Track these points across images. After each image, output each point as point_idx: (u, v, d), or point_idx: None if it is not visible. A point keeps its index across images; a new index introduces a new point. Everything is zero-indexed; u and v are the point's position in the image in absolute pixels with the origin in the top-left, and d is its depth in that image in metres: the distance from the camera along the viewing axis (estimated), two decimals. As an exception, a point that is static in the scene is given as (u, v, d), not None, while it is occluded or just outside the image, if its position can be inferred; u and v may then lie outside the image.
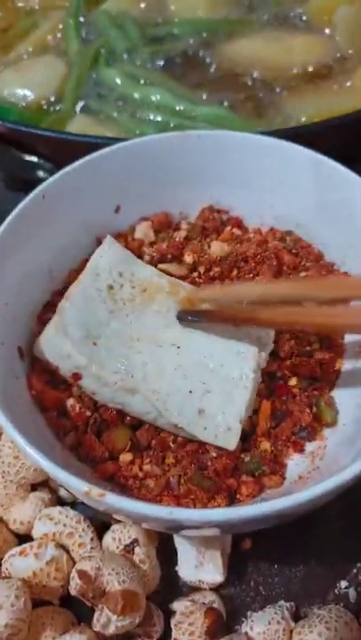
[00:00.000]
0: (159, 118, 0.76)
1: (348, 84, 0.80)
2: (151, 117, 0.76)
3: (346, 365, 0.51)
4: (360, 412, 0.47)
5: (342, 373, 0.51)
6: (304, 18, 0.87)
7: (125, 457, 0.47)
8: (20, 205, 0.51)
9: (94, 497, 0.37)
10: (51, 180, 0.53)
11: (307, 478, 0.45)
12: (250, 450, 0.47)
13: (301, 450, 0.48)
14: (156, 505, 0.39)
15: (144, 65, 0.83)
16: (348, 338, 0.52)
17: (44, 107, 0.79)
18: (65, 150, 0.59)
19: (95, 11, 0.90)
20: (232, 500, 0.46)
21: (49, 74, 0.81)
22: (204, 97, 0.78)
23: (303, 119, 0.75)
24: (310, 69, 0.81)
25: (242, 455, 0.47)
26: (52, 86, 0.80)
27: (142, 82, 0.80)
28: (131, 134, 0.74)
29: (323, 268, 0.54)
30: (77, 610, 0.47)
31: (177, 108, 0.76)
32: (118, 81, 0.80)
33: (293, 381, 0.50)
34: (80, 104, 0.79)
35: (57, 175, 0.53)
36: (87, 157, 0.54)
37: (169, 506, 0.44)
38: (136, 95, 0.79)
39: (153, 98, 0.78)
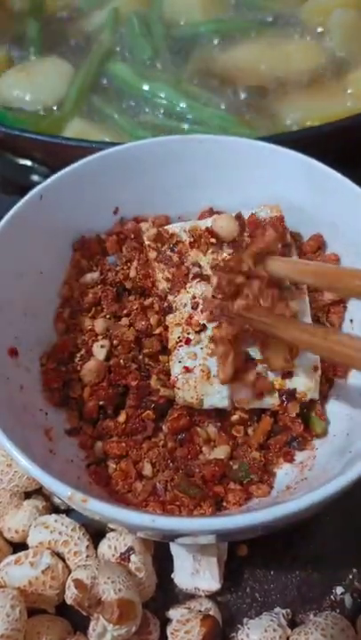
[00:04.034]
0: (158, 121, 0.76)
1: (343, 87, 0.80)
2: (151, 120, 0.76)
3: (338, 377, 0.51)
4: (351, 424, 0.47)
5: (335, 384, 0.51)
6: (299, 22, 0.87)
7: (114, 448, 0.48)
8: (17, 205, 0.51)
9: (77, 502, 0.37)
10: (48, 180, 0.53)
11: (294, 488, 0.45)
12: (239, 458, 0.47)
13: (291, 460, 0.48)
14: (140, 512, 0.39)
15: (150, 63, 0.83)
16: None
17: (48, 109, 0.79)
18: (59, 155, 0.59)
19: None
20: (218, 508, 0.46)
21: (55, 76, 0.81)
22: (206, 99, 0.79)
23: (299, 123, 0.75)
24: (306, 74, 0.81)
25: (230, 462, 0.47)
26: (58, 89, 0.80)
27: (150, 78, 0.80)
28: (129, 137, 0.74)
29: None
30: (73, 618, 0.47)
31: (181, 106, 0.76)
32: (127, 74, 0.80)
33: None
34: (82, 103, 0.79)
35: (55, 176, 0.53)
36: (85, 159, 0.54)
37: (154, 512, 0.44)
38: (144, 87, 0.79)
39: (159, 94, 0.78)
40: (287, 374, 0.47)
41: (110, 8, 0.90)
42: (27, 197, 0.51)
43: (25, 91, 0.79)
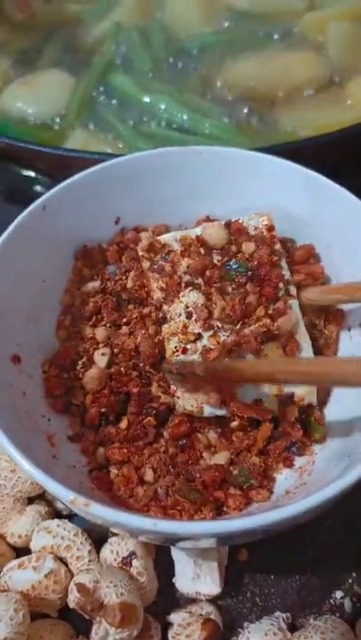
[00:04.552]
0: (159, 132, 0.77)
1: (342, 98, 0.81)
2: (152, 131, 0.78)
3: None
4: (349, 429, 0.47)
5: (333, 390, 0.51)
6: (297, 34, 0.89)
7: (115, 454, 0.48)
8: (21, 216, 0.52)
9: (80, 506, 0.38)
10: (51, 191, 0.54)
11: (294, 493, 0.46)
12: (239, 463, 0.48)
13: (291, 465, 0.48)
14: (141, 516, 0.40)
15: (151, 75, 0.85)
16: (341, 356, 0.53)
17: (51, 120, 0.80)
18: (62, 166, 0.60)
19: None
20: (219, 513, 0.46)
21: (57, 88, 0.83)
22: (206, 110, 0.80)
23: (299, 134, 0.77)
24: (306, 86, 0.82)
25: (230, 468, 0.48)
26: (60, 101, 0.82)
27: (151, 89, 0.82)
28: (130, 148, 0.75)
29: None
30: (76, 622, 0.47)
31: (181, 117, 0.78)
32: (128, 86, 0.82)
33: None
34: (84, 114, 0.80)
35: (57, 187, 0.54)
36: (87, 171, 0.55)
37: (156, 516, 0.45)
38: (145, 99, 0.80)
39: (160, 105, 0.80)
40: None
41: (111, 21, 0.91)
42: (30, 208, 0.52)
43: (28, 103, 0.81)
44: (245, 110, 0.80)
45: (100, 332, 0.53)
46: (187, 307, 0.51)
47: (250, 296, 0.50)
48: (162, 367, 0.50)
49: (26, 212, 0.52)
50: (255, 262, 0.51)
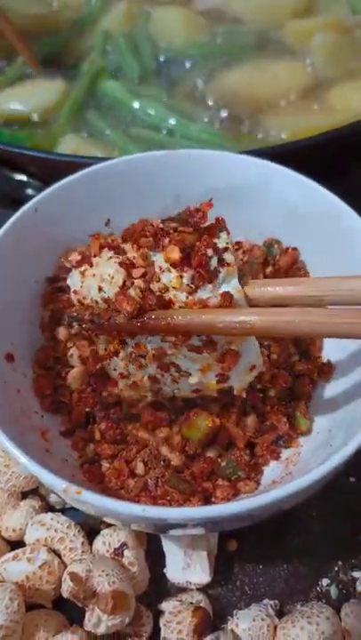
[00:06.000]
0: (148, 136, 0.79)
1: (326, 104, 0.84)
2: (141, 134, 0.79)
3: (321, 379, 0.53)
4: (333, 421, 0.49)
5: (318, 385, 0.53)
6: (282, 45, 0.91)
7: (106, 449, 0.50)
8: (13, 218, 0.53)
9: (72, 494, 0.39)
10: (43, 194, 0.55)
11: (279, 483, 0.47)
12: (227, 455, 0.49)
13: (278, 457, 0.50)
14: (131, 503, 0.41)
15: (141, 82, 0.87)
16: (326, 351, 0.55)
17: (43, 125, 0.82)
18: (53, 170, 0.61)
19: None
20: (207, 503, 0.47)
21: (49, 94, 0.85)
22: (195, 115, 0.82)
23: (285, 138, 0.79)
24: (291, 93, 0.85)
25: (219, 460, 0.49)
26: (52, 106, 0.84)
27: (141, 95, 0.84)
28: (120, 152, 0.77)
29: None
30: (70, 613, 0.48)
31: (170, 122, 0.80)
32: (118, 92, 0.84)
33: (272, 392, 0.52)
34: (75, 120, 0.82)
35: (49, 190, 0.56)
36: (78, 173, 0.57)
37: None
38: (135, 105, 0.82)
39: (149, 110, 0.82)
40: (223, 379, 0.47)
41: (101, 30, 0.93)
42: (22, 210, 0.54)
43: (21, 108, 0.83)
44: (233, 116, 0.82)
45: (62, 332, 0.54)
46: (99, 288, 0.44)
47: (183, 237, 0.42)
48: (68, 316, 0.46)
49: (18, 213, 0.53)
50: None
